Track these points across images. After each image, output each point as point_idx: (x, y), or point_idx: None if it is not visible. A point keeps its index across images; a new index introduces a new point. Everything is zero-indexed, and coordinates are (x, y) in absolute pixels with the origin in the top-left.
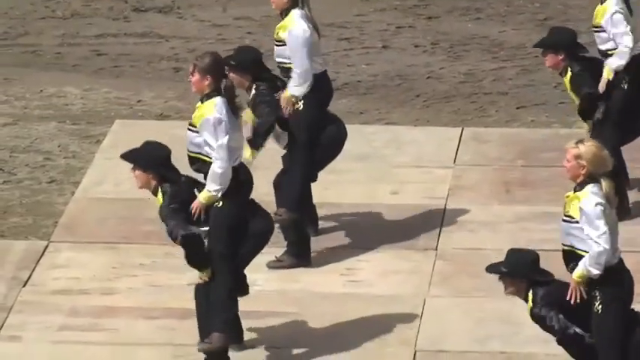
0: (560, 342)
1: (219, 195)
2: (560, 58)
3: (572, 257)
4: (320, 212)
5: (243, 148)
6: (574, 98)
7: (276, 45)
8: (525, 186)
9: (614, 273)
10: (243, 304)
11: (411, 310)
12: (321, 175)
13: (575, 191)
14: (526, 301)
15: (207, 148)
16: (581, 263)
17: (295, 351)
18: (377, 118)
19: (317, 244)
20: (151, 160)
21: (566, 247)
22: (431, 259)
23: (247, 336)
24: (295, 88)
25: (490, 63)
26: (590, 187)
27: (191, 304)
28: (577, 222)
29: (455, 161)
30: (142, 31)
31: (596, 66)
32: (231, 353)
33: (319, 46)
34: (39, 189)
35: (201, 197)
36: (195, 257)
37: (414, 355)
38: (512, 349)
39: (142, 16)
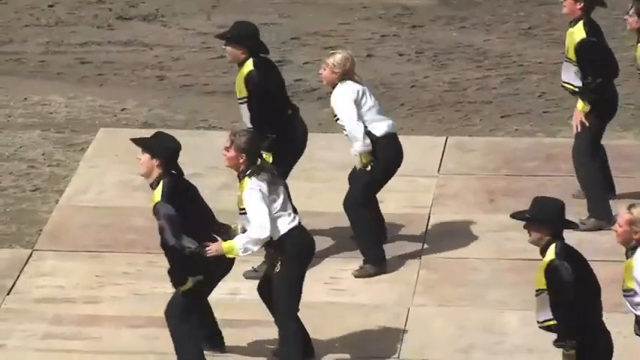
0: (555, 305)
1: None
2: (579, 7)
3: None
4: (303, 221)
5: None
6: None
7: None
8: (509, 195)
9: None
10: (227, 313)
11: (395, 319)
12: (304, 183)
13: (627, 257)
14: (543, 254)
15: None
16: None
17: None
18: None
19: None
20: (161, 147)
21: None
22: (415, 268)
23: (231, 345)
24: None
25: (474, 72)
26: None
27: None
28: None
29: (439, 170)
30: (126, 39)
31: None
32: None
33: None
34: (23, 197)
35: (225, 246)
36: (175, 270)
37: None
38: (497, 358)
39: (126, 25)
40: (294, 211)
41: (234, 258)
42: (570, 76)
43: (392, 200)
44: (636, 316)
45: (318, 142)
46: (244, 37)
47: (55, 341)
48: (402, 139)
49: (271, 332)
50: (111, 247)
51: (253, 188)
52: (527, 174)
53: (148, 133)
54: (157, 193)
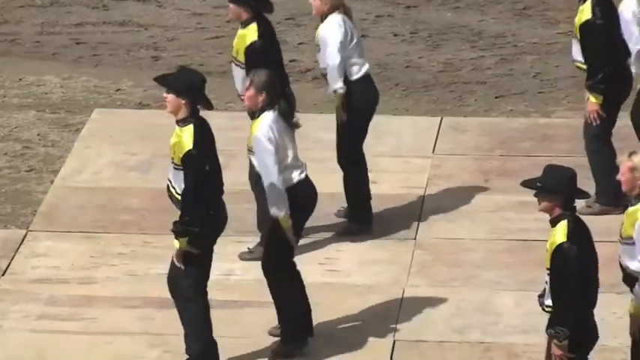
0: (555, 291)
1: (283, 215)
2: None
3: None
4: None
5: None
6: None
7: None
8: (504, 175)
9: None
10: (221, 294)
11: (390, 299)
12: None
13: (631, 204)
14: (553, 224)
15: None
16: None
17: (274, 340)
18: None
19: None
20: (185, 85)
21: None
22: (410, 249)
23: (226, 326)
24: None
25: (469, 52)
26: None
27: (169, 293)
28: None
29: (434, 151)
30: (121, 19)
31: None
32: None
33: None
34: (18, 177)
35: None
36: (186, 222)
37: (393, 344)
38: (492, 339)
39: (121, 5)
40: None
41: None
42: (579, 55)
43: (386, 181)
44: (624, 268)
45: (313, 122)
46: None
47: (49, 322)
48: (396, 119)
49: (266, 312)
50: (106, 228)
51: (264, 135)
52: (522, 154)
53: (142, 113)
54: (187, 137)
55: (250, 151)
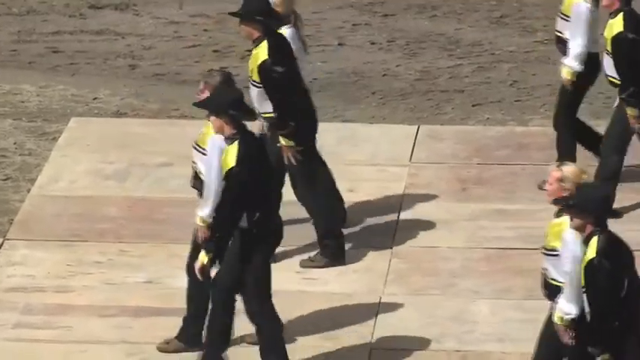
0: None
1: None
2: None
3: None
4: None
5: None
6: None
7: None
8: (481, 184)
9: None
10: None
11: (367, 308)
12: None
13: (556, 216)
14: (586, 242)
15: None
16: None
17: (250, 348)
18: (333, 115)
19: None
20: (224, 104)
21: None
22: (386, 258)
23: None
24: None
25: (446, 60)
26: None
27: (146, 302)
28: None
29: (411, 159)
30: (98, 28)
31: None
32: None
33: None
34: None
35: None
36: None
37: (370, 353)
38: (468, 347)
39: (98, 13)
40: None
41: None
42: (611, 70)
43: (363, 189)
44: (546, 278)
45: None
46: (256, 13)
47: (25, 331)
48: (373, 127)
49: (243, 320)
50: (82, 237)
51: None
52: (499, 162)
53: (119, 122)
54: (230, 154)
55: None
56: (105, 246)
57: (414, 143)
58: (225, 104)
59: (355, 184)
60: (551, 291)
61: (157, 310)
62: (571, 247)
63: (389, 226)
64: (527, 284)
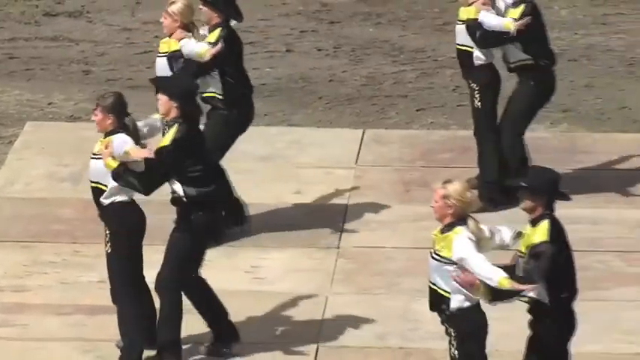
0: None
1: None
2: None
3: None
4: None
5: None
6: None
7: None
8: (425, 186)
9: None
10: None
11: (314, 306)
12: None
13: (442, 232)
14: (533, 224)
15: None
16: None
17: (201, 347)
18: (281, 119)
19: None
20: (178, 89)
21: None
22: (333, 257)
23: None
24: None
25: (390, 66)
26: (459, 228)
27: (100, 300)
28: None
29: (357, 162)
30: (52, 35)
31: None
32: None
33: None
34: None
35: None
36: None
37: (317, 350)
38: (412, 344)
39: (52, 21)
40: None
41: None
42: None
43: (310, 192)
44: (433, 288)
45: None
46: (221, 2)
47: None
48: (320, 131)
49: (193, 319)
50: (38, 237)
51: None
52: (442, 165)
53: (73, 126)
54: (169, 135)
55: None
56: (60, 246)
57: (360, 147)
58: (182, 91)
59: (303, 187)
60: (438, 301)
61: (111, 308)
62: (463, 247)
63: (336, 227)
64: None
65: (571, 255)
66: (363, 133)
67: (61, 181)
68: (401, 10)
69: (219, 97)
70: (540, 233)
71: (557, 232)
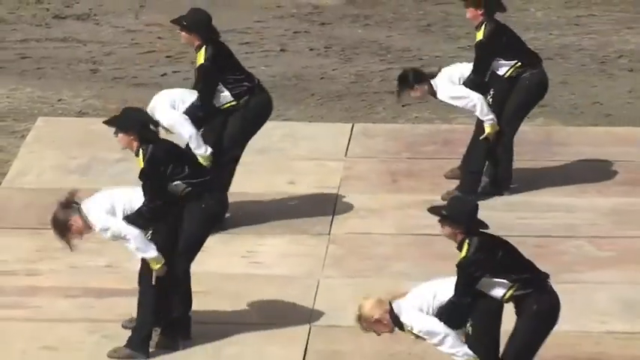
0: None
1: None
2: (480, 12)
3: None
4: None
5: None
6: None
7: None
8: (410, 176)
9: None
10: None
11: (307, 289)
12: None
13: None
14: (459, 249)
15: None
16: None
17: (202, 326)
18: (275, 115)
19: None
20: (131, 122)
21: None
22: (324, 243)
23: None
24: None
25: (378, 65)
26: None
27: (106, 284)
28: None
29: (346, 154)
30: (62, 36)
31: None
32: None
33: None
34: None
35: None
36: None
37: (309, 329)
38: None
39: (62, 23)
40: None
41: None
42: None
43: (303, 182)
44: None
45: None
46: (199, 25)
47: None
48: (312, 126)
49: (196, 301)
50: (49, 225)
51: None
52: (426, 157)
53: (82, 121)
54: (140, 160)
55: None
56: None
57: (349, 140)
58: (133, 123)
59: (296, 177)
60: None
61: (116, 291)
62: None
63: (326, 214)
64: (452, 267)
65: (511, 249)
66: (352, 127)
67: (69, 172)
68: (388, 12)
69: (233, 102)
70: (462, 254)
71: (479, 243)
